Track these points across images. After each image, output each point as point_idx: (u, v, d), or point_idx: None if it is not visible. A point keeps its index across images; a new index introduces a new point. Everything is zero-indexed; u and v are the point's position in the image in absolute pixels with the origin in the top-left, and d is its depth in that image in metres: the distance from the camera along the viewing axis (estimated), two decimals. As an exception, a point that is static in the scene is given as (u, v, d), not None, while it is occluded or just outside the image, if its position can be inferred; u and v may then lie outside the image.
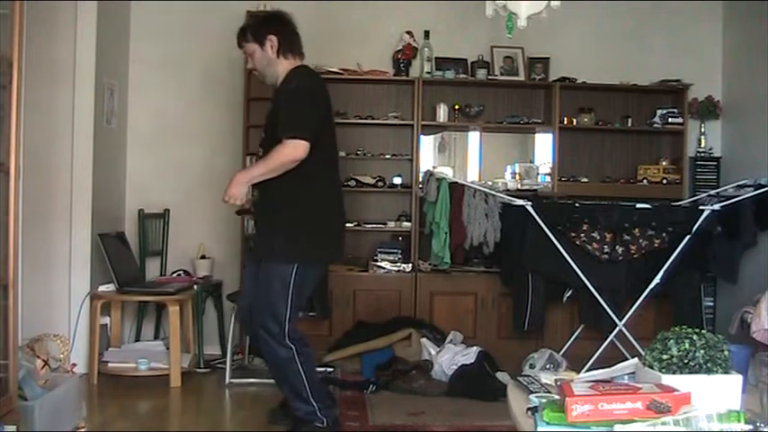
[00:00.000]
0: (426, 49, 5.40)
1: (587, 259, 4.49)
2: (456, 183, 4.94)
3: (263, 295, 3.31)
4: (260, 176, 3.26)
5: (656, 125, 5.52)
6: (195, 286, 4.90)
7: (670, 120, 5.49)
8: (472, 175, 5.58)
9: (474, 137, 5.62)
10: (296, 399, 3.37)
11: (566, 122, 5.46)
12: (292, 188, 3.26)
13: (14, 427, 2.73)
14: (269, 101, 5.23)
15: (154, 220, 5.28)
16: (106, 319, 4.76)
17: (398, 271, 5.19)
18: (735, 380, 1.75)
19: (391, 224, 5.41)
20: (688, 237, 4.43)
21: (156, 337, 5.16)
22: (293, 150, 3.15)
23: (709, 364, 1.75)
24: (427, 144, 5.54)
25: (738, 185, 4.93)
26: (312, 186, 3.31)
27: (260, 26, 3.43)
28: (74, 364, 3.72)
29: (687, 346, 1.77)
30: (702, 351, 1.76)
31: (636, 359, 1.92)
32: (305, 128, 3.18)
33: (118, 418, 3.94)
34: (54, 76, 4.69)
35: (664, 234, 4.48)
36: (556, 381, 1.94)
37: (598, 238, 4.48)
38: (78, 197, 4.73)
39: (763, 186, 4.68)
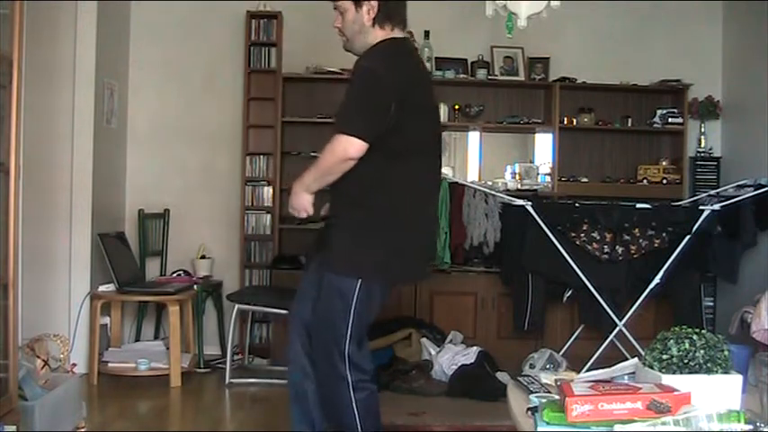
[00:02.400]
0: (426, 49, 5.39)
1: (587, 259, 4.49)
2: (456, 183, 4.94)
3: (321, 310, 2.78)
4: (314, 182, 2.74)
5: (656, 125, 5.52)
6: (195, 286, 4.90)
7: (670, 120, 5.49)
8: (472, 175, 5.58)
9: (474, 137, 5.61)
10: None
11: (566, 122, 5.46)
12: (363, 189, 2.69)
13: (14, 427, 2.73)
14: (269, 100, 5.34)
15: (154, 220, 5.28)
16: (106, 319, 4.77)
17: (398, 271, 5.18)
18: (735, 380, 1.75)
19: (391, 224, 5.39)
20: (688, 237, 4.43)
21: (156, 337, 5.16)
22: (343, 149, 2.58)
23: (709, 364, 1.75)
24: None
25: (738, 185, 4.93)
26: (390, 188, 2.70)
27: None
28: (74, 364, 3.72)
29: (687, 346, 1.77)
30: (702, 351, 1.76)
31: (636, 359, 1.92)
32: (360, 121, 2.61)
33: (118, 418, 3.94)
34: (54, 76, 4.69)
35: (664, 234, 4.47)
36: (556, 381, 1.94)
37: (598, 238, 4.48)
38: (78, 197, 4.73)
39: (763, 186, 4.68)
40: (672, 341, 1.79)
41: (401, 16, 2.81)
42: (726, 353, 1.78)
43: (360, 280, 2.67)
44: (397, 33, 2.80)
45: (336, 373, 2.72)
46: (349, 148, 2.58)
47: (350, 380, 2.71)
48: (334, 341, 2.71)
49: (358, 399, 2.71)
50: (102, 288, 4.63)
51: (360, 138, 2.57)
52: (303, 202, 2.78)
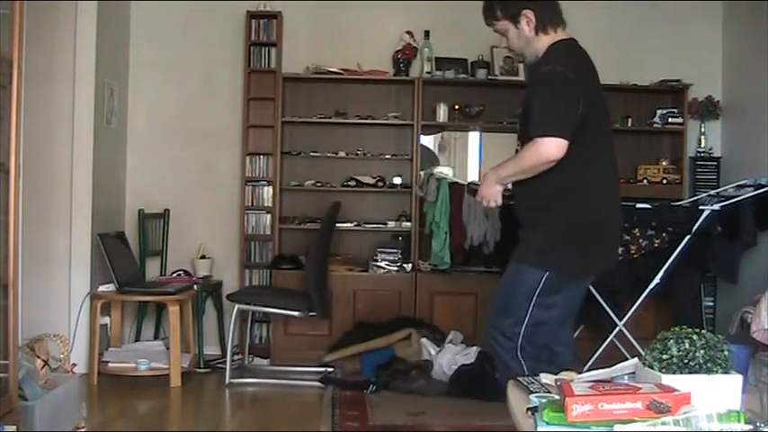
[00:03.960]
0: (426, 49, 5.40)
1: (587, 259, 4.48)
2: (456, 183, 4.94)
3: (501, 295, 2.88)
4: (511, 177, 2.85)
5: (656, 125, 5.51)
6: (195, 286, 4.90)
7: (670, 120, 5.49)
8: (472, 175, 5.57)
9: (474, 137, 5.61)
10: None
11: (566, 122, 5.45)
12: (555, 185, 2.77)
13: (14, 427, 2.73)
14: (269, 100, 5.34)
15: (154, 220, 5.28)
16: (106, 319, 4.77)
17: (398, 271, 5.20)
18: (735, 380, 1.75)
19: (391, 224, 5.40)
20: (688, 237, 4.43)
21: (156, 337, 5.16)
22: (546, 151, 2.67)
23: (709, 364, 1.75)
24: (428, 144, 5.54)
25: (738, 185, 4.92)
26: (579, 183, 2.78)
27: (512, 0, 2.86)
28: (74, 364, 3.72)
29: (687, 346, 1.77)
30: (702, 351, 1.76)
31: (636, 359, 1.92)
32: (559, 123, 2.68)
33: (118, 418, 3.94)
34: (54, 76, 4.70)
35: (664, 234, 4.47)
36: (556, 381, 1.94)
37: (598, 238, 4.48)
38: (78, 197, 4.73)
39: (763, 186, 4.67)
40: (672, 341, 1.79)
41: (559, 17, 2.89)
42: (726, 353, 1.78)
43: (547, 272, 2.77)
44: (561, 35, 2.89)
45: (512, 356, 2.81)
46: (553, 149, 2.66)
47: (525, 369, 2.76)
48: (511, 325, 2.83)
49: None
50: (102, 288, 4.63)
51: (562, 137, 2.66)
52: (494, 193, 2.88)
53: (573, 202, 2.78)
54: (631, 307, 4.53)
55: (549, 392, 1.93)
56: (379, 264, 5.21)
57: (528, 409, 1.81)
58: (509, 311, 2.82)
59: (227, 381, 4.55)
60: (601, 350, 4.48)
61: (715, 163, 5.52)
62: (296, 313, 4.59)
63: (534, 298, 2.76)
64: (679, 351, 1.76)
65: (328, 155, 5.43)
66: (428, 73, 5.40)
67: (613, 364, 1.97)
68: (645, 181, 5.47)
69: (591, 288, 4.43)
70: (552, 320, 2.81)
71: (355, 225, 5.35)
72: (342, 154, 5.44)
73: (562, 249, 2.78)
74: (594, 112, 2.79)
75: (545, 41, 2.83)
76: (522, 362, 2.79)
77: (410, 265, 5.23)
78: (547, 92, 2.76)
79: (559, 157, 2.67)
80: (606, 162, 2.88)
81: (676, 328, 1.83)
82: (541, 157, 2.69)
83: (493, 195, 2.89)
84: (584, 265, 2.85)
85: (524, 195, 2.91)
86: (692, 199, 5.18)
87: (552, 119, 2.70)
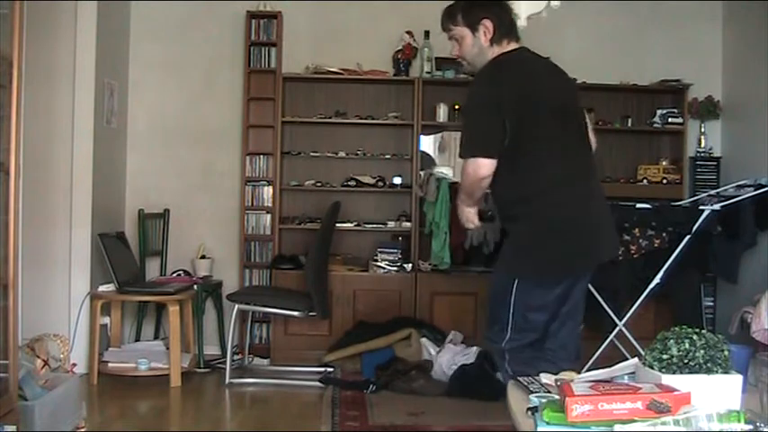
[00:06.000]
0: (426, 49, 5.40)
1: (587, 259, 4.48)
2: (456, 183, 4.93)
3: (488, 303, 2.98)
4: (464, 202, 2.94)
5: (656, 125, 5.51)
6: (195, 286, 4.91)
7: (670, 120, 5.49)
8: (472, 175, 5.57)
9: (474, 137, 5.60)
10: None
11: (566, 122, 5.45)
12: (511, 196, 2.83)
13: (14, 427, 2.73)
14: (269, 100, 5.34)
15: (154, 220, 5.28)
16: (106, 319, 4.77)
17: (398, 271, 5.19)
18: (735, 380, 1.75)
19: (391, 224, 5.40)
20: (688, 237, 4.43)
21: (156, 337, 5.16)
22: (473, 171, 2.76)
23: (709, 364, 1.75)
24: (427, 144, 5.53)
25: (738, 185, 4.93)
26: (530, 190, 2.78)
27: (474, 7, 2.87)
28: (74, 364, 3.73)
29: (687, 346, 1.77)
30: (702, 351, 1.76)
31: (636, 359, 1.92)
32: (479, 143, 2.76)
33: (118, 418, 3.94)
34: (54, 76, 4.70)
35: (664, 234, 4.47)
36: (556, 381, 1.94)
37: (598, 238, 4.48)
38: (78, 197, 4.73)
39: (763, 186, 4.67)
40: (672, 341, 1.79)
41: (514, 30, 2.93)
42: (726, 353, 1.78)
43: (516, 279, 2.79)
44: (511, 46, 2.89)
45: (502, 365, 2.88)
46: (480, 168, 2.75)
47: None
48: (498, 334, 2.87)
49: None
50: (102, 288, 4.63)
51: (484, 156, 2.74)
52: (468, 215, 2.97)
53: (529, 209, 2.80)
54: (631, 307, 4.53)
55: (549, 392, 1.93)
56: (379, 264, 5.21)
57: (528, 409, 1.81)
58: (494, 318, 2.87)
59: (227, 381, 4.55)
60: (601, 350, 4.48)
61: (715, 163, 5.52)
62: (296, 313, 4.59)
63: (512, 305, 2.78)
64: (679, 351, 1.76)
65: (328, 155, 5.43)
66: (428, 73, 5.40)
67: (613, 364, 1.97)
68: (645, 181, 5.47)
69: (591, 288, 4.46)
70: (539, 323, 2.81)
71: (355, 225, 5.35)
72: (342, 154, 5.44)
73: (527, 256, 2.80)
74: (531, 120, 2.77)
75: (494, 52, 2.85)
76: (508, 367, 2.80)
77: (410, 265, 5.23)
78: (468, 114, 2.90)
79: (490, 173, 2.75)
80: (559, 164, 2.83)
81: (676, 328, 1.83)
82: (471, 177, 2.78)
83: (467, 217, 2.96)
84: (555, 268, 2.80)
85: (497, 207, 2.98)
86: (692, 199, 5.18)
87: (472, 141, 2.79)
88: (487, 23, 2.83)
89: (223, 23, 5.46)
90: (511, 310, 2.79)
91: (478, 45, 2.85)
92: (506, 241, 2.90)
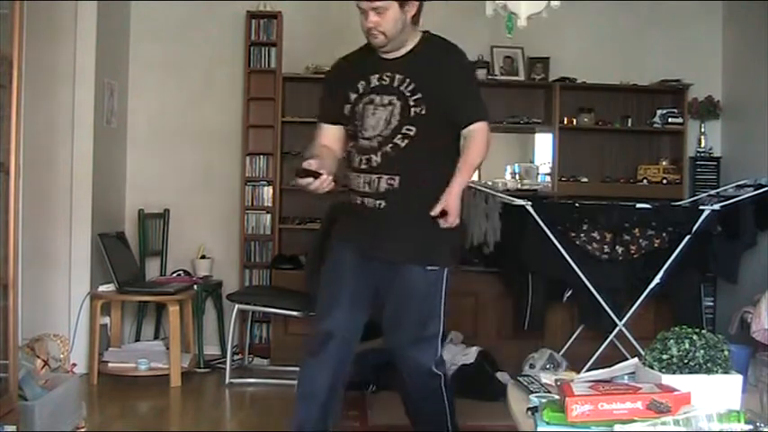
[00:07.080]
0: (426, 49, 5.39)
1: (587, 259, 4.48)
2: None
3: (415, 309, 2.87)
4: (469, 175, 2.83)
5: (656, 125, 5.51)
6: (195, 286, 4.90)
7: (670, 120, 5.49)
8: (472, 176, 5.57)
9: (474, 137, 5.60)
10: None
11: (566, 122, 5.46)
12: (447, 176, 2.74)
13: (14, 427, 2.73)
14: (269, 100, 5.32)
15: (154, 220, 5.28)
16: (106, 319, 4.77)
17: (398, 271, 5.18)
18: (735, 380, 1.75)
19: (391, 224, 5.39)
20: (688, 237, 4.42)
21: (156, 337, 5.16)
22: (489, 132, 2.79)
23: (709, 364, 1.75)
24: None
25: (738, 185, 4.93)
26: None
27: None
28: (74, 364, 3.72)
29: (687, 346, 1.77)
30: (702, 351, 1.76)
31: (636, 359, 1.92)
32: (486, 109, 2.85)
33: (118, 418, 3.94)
34: (54, 76, 4.69)
35: (664, 234, 4.47)
36: (556, 381, 1.94)
37: (598, 237, 4.48)
38: (78, 197, 4.73)
39: (763, 186, 4.67)
40: (672, 341, 1.79)
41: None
42: (726, 353, 1.78)
43: (447, 270, 2.87)
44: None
45: (431, 371, 3.05)
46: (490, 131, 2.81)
47: (443, 378, 3.04)
48: (434, 340, 2.98)
49: (449, 395, 3.10)
50: (102, 288, 4.63)
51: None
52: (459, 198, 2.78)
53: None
54: (631, 307, 4.53)
55: (549, 392, 1.94)
56: (379, 264, 5.19)
57: (528, 409, 1.81)
58: (432, 322, 2.95)
59: (227, 381, 4.55)
60: (601, 350, 4.48)
61: (715, 163, 5.52)
62: (296, 313, 4.59)
63: (443, 299, 2.90)
64: (679, 351, 1.77)
65: (328, 155, 5.42)
66: (428, 73, 5.39)
67: (613, 364, 1.97)
68: (645, 181, 5.47)
69: (591, 288, 4.46)
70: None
71: (355, 225, 5.34)
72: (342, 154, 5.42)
73: (456, 242, 3.01)
74: None
75: (414, 34, 2.83)
76: (441, 372, 3.01)
77: (410, 265, 5.21)
78: (476, 80, 3.05)
79: None
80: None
81: (676, 328, 1.83)
82: (489, 142, 2.79)
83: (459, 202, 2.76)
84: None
85: (417, 185, 2.83)
86: (691, 199, 5.18)
87: (485, 105, 2.86)
88: (416, 2, 2.78)
89: (223, 23, 5.46)
90: (443, 302, 2.85)
91: (402, 21, 2.76)
92: (438, 232, 2.74)
